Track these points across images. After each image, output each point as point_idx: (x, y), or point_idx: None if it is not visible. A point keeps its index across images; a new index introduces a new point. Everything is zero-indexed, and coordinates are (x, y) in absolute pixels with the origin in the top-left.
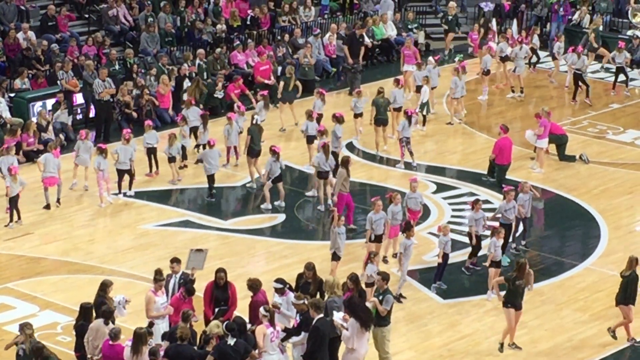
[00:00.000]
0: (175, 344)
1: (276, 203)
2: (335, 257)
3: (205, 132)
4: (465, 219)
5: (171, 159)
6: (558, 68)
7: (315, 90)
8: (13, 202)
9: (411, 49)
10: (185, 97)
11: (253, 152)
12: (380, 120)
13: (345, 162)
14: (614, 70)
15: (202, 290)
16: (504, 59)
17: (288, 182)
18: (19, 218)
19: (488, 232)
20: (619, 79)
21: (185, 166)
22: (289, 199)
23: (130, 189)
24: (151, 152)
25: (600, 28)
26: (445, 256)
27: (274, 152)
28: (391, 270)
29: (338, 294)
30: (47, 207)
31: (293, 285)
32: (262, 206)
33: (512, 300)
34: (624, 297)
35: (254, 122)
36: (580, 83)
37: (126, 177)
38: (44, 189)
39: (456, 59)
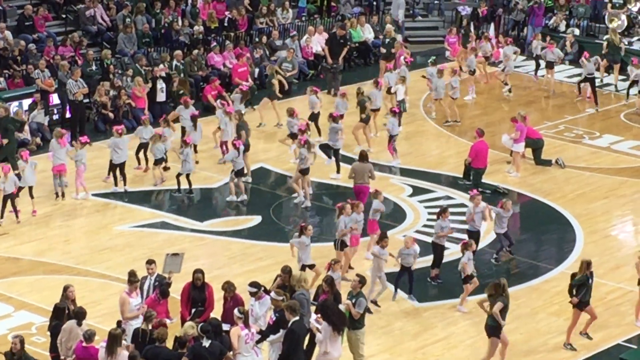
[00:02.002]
0: (152, 346)
1: (240, 197)
2: (343, 245)
3: (196, 132)
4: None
5: (157, 161)
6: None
7: (308, 88)
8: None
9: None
10: (161, 97)
11: (246, 146)
12: (367, 119)
13: (366, 156)
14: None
15: (179, 291)
16: (487, 58)
17: (266, 184)
18: (2, 217)
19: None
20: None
21: (168, 168)
22: (265, 200)
23: (125, 184)
24: (143, 147)
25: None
26: (408, 269)
27: (234, 146)
28: (367, 272)
29: (305, 287)
30: (62, 195)
31: (269, 287)
32: (228, 198)
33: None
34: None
35: (242, 117)
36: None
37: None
38: (54, 176)
39: (429, 61)
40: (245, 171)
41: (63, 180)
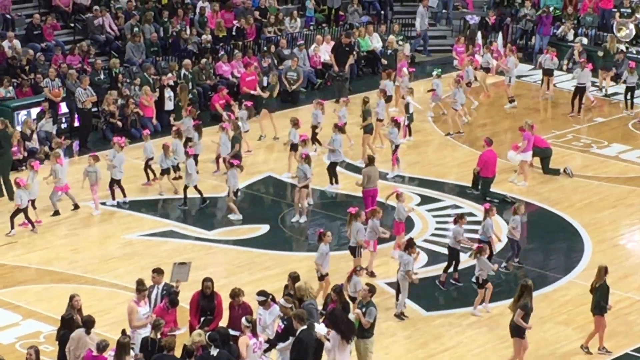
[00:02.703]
0: (160, 354)
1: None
2: (358, 252)
3: (199, 143)
4: (449, 232)
5: (164, 171)
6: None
7: (314, 100)
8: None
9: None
10: (169, 106)
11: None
12: (370, 128)
13: (373, 159)
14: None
15: (188, 299)
16: (487, 70)
17: (272, 193)
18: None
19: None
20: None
21: (180, 177)
22: (273, 209)
23: (124, 196)
24: (150, 162)
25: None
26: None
27: (232, 165)
28: (376, 282)
29: (312, 296)
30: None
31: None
32: (231, 217)
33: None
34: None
35: (240, 130)
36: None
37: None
38: (56, 194)
39: (434, 73)
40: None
41: (58, 195)
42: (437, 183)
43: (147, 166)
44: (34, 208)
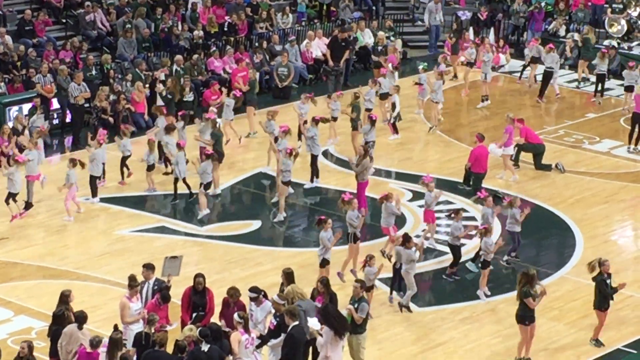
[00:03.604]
0: (152, 350)
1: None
2: (356, 238)
3: (183, 131)
4: (449, 229)
5: (150, 167)
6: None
7: (303, 95)
8: None
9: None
10: (161, 102)
11: (219, 156)
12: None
13: (367, 151)
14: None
15: (179, 295)
16: (471, 65)
17: (263, 189)
18: None
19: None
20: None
21: (170, 173)
22: (265, 205)
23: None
24: (126, 160)
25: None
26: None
27: (207, 156)
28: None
29: (301, 298)
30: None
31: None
32: (200, 213)
33: (530, 314)
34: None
35: (217, 126)
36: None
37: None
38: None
39: (420, 67)
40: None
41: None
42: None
43: (123, 164)
44: (15, 202)
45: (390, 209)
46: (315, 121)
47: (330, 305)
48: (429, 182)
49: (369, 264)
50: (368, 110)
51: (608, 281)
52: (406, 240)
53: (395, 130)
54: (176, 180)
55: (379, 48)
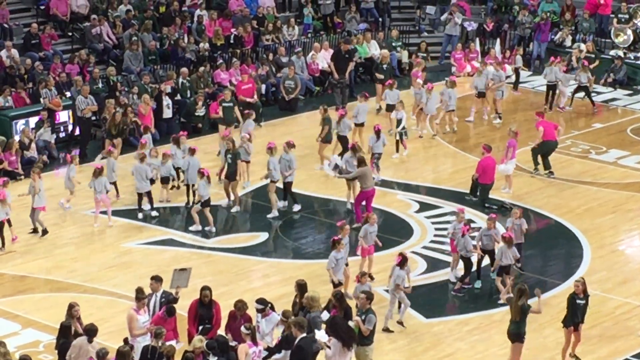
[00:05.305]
0: None
1: (207, 228)
2: None
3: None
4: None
5: (164, 179)
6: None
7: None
8: None
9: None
10: (167, 114)
11: (232, 175)
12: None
13: (363, 160)
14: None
15: (186, 308)
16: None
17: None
18: (3, 246)
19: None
20: (577, 95)
21: (178, 187)
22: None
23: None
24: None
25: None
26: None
27: (203, 175)
28: (374, 289)
29: (318, 306)
30: (35, 231)
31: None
32: (191, 227)
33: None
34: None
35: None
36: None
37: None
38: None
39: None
40: (233, 198)
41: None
42: (435, 190)
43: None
44: (10, 225)
45: (368, 233)
46: (290, 145)
47: (338, 316)
48: (460, 212)
49: (361, 281)
50: (358, 125)
51: (578, 301)
52: (403, 261)
53: (399, 147)
54: (188, 186)
55: (384, 66)
